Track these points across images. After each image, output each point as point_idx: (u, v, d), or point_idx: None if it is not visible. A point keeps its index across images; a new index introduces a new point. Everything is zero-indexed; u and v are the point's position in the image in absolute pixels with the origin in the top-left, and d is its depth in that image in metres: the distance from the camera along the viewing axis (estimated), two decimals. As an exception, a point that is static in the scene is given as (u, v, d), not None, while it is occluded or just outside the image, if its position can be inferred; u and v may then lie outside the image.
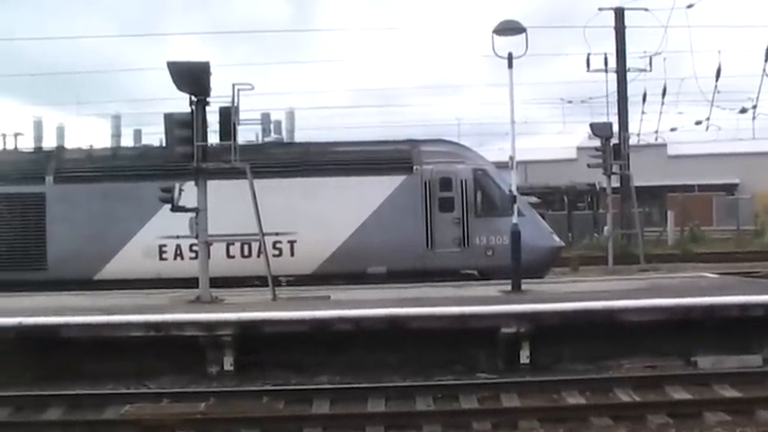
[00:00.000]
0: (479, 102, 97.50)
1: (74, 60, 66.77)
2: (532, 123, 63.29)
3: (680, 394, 11.88)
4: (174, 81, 16.41)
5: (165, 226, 19.75)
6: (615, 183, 29.94)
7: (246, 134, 20.84)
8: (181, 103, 16.81)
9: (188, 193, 17.22)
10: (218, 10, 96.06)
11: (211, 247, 17.57)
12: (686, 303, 14.50)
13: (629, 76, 36.16)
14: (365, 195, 21.01)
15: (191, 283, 17.51)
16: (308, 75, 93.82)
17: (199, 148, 16.61)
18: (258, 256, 18.72)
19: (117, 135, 25.21)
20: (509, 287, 17.37)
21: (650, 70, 35.97)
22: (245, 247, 20.37)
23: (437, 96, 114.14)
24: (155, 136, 23.45)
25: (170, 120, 16.85)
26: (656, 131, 40.93)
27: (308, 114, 65.15)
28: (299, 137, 24.83)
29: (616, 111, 35.85)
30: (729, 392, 11.92)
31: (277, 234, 19.98)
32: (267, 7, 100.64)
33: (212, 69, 16.53)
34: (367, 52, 79.12)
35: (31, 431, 11.00)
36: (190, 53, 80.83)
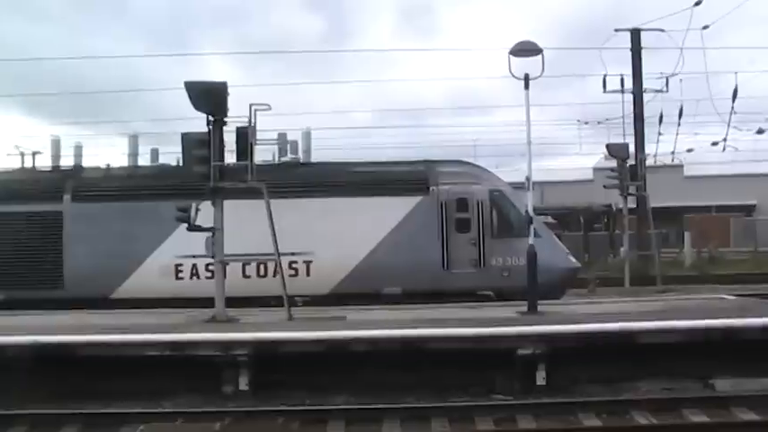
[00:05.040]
0: (506, 122, 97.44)
1: (99, 78, 67.11)
2: (551, 144, 63.24)
3: (698, 417, 11.79)
4: (192, 101, 16.51)
5: (182, 245, 19.81)
6: (632, 204, 29.87)
7: (263, 154, 20.90)
8: (201, 122, 16.94)
9: (205, 213, 17.28)
10: (249, 25, 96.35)
11: (227, 267, 17.58)
12: (704, 325, 14.40)
13: (646, 97, 36.19)
14: (381, 216, 21.00)
15: (207, 302, 17.52)
16: (335, 93, 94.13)
17: (215, 168, 16.69)
18: (274, 275, 18.73)
19: (134, 154, 25.32)
20: (525, 308, 17.31)
21: (667, 91, 35.99)
22: (261, 266, 20.39)
23: (464, 116, 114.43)
24: (172, 155, 23.54)
25: (187, 139, 16.94)
26: (673, 152, 40.86)
27: (333, 134, 65.30)
28: (322, 156, 24.86)
29: (632, 132, 35.81)
30: (748, 415, 11.81)
31: (293, 254, 19.96)
32: (300, 22, 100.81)
33: (237, 88, 16.60)
34: (396, 71, 79.36)
35: (47, 450, 11.00)
36: (217, 71, 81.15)
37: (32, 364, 13.87)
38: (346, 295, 20.37)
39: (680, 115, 37.13)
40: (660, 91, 36.04)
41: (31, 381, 13.83)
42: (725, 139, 39.18)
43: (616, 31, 36.05)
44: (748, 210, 60.58)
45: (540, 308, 17.28)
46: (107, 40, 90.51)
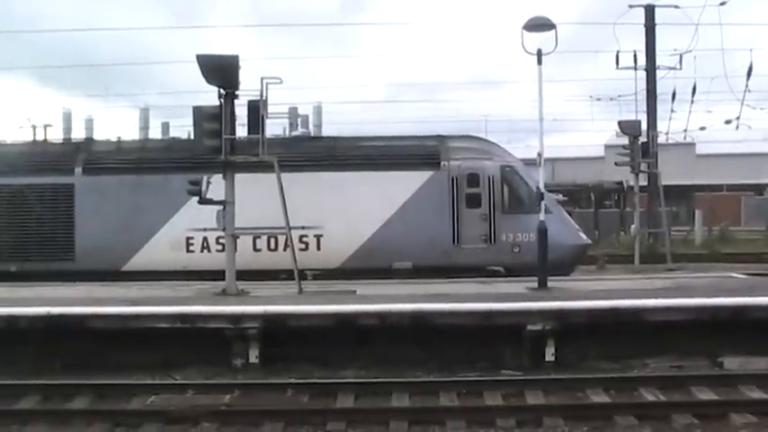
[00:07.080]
0: (522, 98, 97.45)
1: (111, 51, 66.85)
2: (563, 121, 63.00)
3: (706, 395, 11.80)
4: (204, 74, 16.47)
5: (193, 218, 19.85)
6: (643, 181, 29.76)
7: (273, 128, 20.91)
8: (213, 95, 16.93)
9: (216, 186, 17.31)
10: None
11: (238, 240, 17.62)
12: (713, 303, 14.39)
13: (659, 73, 35.97)
14: (392, 190, 20.98)
15: (217, 275, 17.58)
16: (349, 67, 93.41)
17: (227, 142, 16.69)
18: (285, 249, 18.76)
19: (145, 127, 25.40)
20: (535, 284, 17.31)
21: (680, 68, 35.77)
22: (272, 240, 20.42)
23: (480, 92, 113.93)
24: (183, 129, 23.60)
25: (199, 113, 16.92)
26: (685, 130, 40.70)
27: (346, 108, 65.28)
28: (335, 131, 24.85)
29: (645, 109, 35.64)
30: (756, 394, 11.82)
31: (303, 228, 20.00)
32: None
33: (252, 61, 16.56)
34: (411, 45, 78.93)
35: (59, 420, 11.06)
36: (231, 43, 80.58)
37: (44, 336, 13.98)
38: (356, 270, 20.40)
39: (693, 93, 36.95)
40: (674, 68, 35.85)
41: (42, 352, 13.96)
42: (738, 118, 38.97)
43: (630, 7, 35.81)
44: (760, 189, 60.31)
45: (549, 284, 17.29)
46: (120, 11, 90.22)
